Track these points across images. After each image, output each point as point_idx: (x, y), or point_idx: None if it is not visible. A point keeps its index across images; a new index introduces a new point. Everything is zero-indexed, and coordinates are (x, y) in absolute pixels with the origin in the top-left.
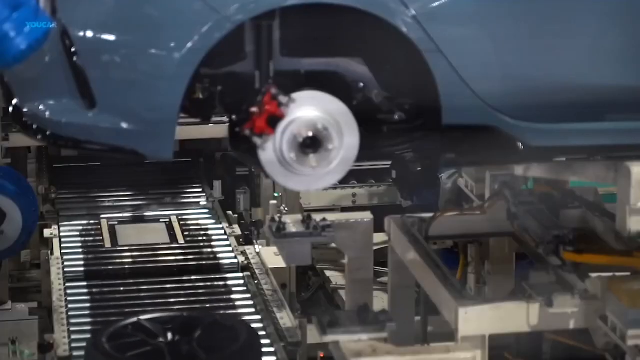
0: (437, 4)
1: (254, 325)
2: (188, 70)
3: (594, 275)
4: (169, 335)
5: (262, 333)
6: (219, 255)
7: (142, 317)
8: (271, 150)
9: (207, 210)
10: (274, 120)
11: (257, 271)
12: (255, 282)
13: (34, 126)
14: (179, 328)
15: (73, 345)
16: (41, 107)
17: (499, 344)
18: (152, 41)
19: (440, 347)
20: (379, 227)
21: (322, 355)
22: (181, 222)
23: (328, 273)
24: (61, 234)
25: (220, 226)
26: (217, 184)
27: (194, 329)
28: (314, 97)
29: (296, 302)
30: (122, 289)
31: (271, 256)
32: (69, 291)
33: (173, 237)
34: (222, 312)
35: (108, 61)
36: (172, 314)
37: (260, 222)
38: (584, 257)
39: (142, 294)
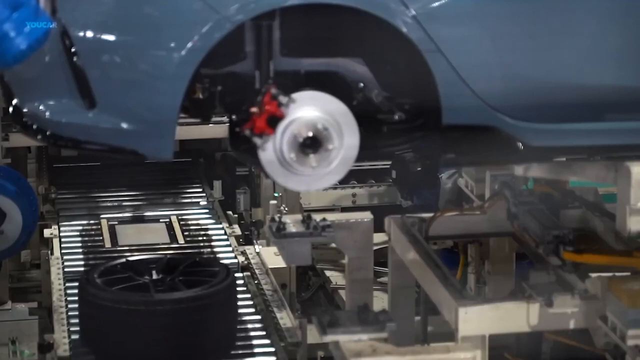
0: (437, 4)
1: (253, 326)
2: (188, 70)
3: (594, 275)
4: (154, 274)
5: (262, 333)
6: (219, 255)
7: (130, 258)
8: (271, 150)
9: (207, 210)
10: (274, 120)
11: (257, 271)
12: (255, 282)
13: (34, 126)
14: (162, 267)
15: (73, 345)
16: (41, 107)
17: (499, 344)
18: (152, 41)
19: (440, 347)
20: (379, 227)
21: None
22: (181, 222)
23: (328, 273)
24: (61, 234)
25: (220, 226)
26: (217, 184)
27: (175, 268)
28: (314, 97)
29: (296, 302)
30: None
31: (271, 256)
32: (69, 291)
33: (173, 237)
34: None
35: (108, 61)
36: (157, 256)
37: (260, 222)
38: (584, 257)
39: None
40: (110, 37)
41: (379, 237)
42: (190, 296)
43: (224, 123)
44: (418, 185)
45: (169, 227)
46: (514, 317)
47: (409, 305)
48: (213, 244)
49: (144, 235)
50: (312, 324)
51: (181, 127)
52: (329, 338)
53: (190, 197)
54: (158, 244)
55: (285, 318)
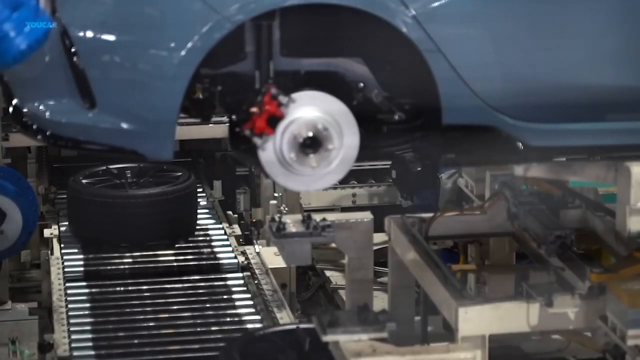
0: (437, 4)
1: (252, 326)
2: (188, 70)
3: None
4: (129, 176)
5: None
6: (219, 255)
7: (110, 167)
8: (271, 150)
9: (207, 210)
10: (274, 120)
11: (257, 271)
12: (255, 282)
13: (34, 126)
14: (136, 172)
15: (73, 345)
16: (41, 107)
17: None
18: (152, 41)
19: (440, 347)
20: (379, 227)
21: None
22: None
23: (328, 273)
24: (61, 234)
25: (220, 226)
26: (217, 184)
27: (146, 173)
28: (314, 97)
29: (296, 302)
30: (122, 289)
31: (271, 256)
32: (69, 291)
33: None
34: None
35: (108, 61)
36: (132, 165)
37: (260, 222)
38: (614, 276)
39: (142, 294)
40: (110, 37)
41: (379, 237)
42: (157, 192)
43: (224, 123)
44: (418, 185)
45: None
46: (514, 317)
47: (409, 305)
48: (213, 244)
49: None
50: (312, 324)
51: (181, 127)
52: (329, 338)
53: None
54: (158, 244)
55: (285, 318)
